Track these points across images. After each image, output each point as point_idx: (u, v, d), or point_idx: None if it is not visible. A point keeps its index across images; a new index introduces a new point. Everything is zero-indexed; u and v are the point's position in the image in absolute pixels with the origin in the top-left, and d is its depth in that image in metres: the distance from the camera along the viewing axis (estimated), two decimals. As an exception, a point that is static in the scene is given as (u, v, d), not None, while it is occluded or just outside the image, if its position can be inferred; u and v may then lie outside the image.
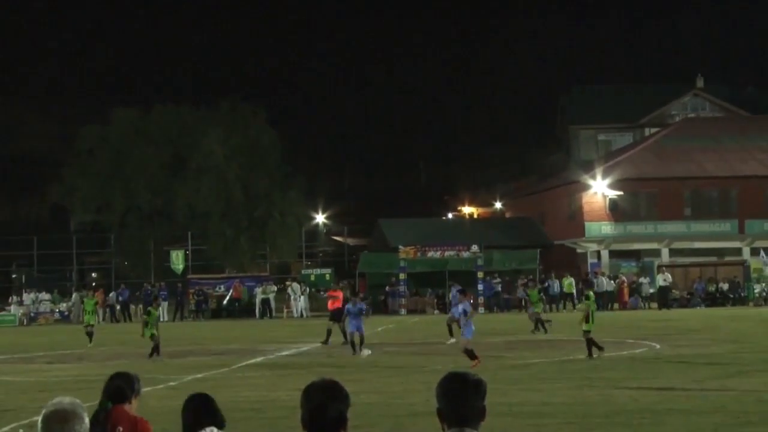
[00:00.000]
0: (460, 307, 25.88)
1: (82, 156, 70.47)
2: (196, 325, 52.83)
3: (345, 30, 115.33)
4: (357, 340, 29.09)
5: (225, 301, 59.13)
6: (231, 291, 59.37)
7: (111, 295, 60.47)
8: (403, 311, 55.73)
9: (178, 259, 66.44)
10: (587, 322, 26.27)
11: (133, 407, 7.19)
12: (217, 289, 60.02)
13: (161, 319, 50.28)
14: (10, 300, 63.58)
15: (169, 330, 40.66)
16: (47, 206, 75.92)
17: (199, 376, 23.91)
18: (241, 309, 58.37)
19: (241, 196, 69.86)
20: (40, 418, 4.57)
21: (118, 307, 59.21)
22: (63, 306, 61.49)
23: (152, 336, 29.26)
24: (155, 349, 29.12)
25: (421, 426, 14.82)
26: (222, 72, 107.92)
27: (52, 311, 60.85)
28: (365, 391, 19.01)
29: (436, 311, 55.09)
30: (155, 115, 71.39)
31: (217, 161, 68.68)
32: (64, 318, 59.90)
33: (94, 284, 69.36)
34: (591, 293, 28.03)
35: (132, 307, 59.64)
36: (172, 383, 22.22)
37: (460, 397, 4.62)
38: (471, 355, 24.12)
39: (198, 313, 58.34)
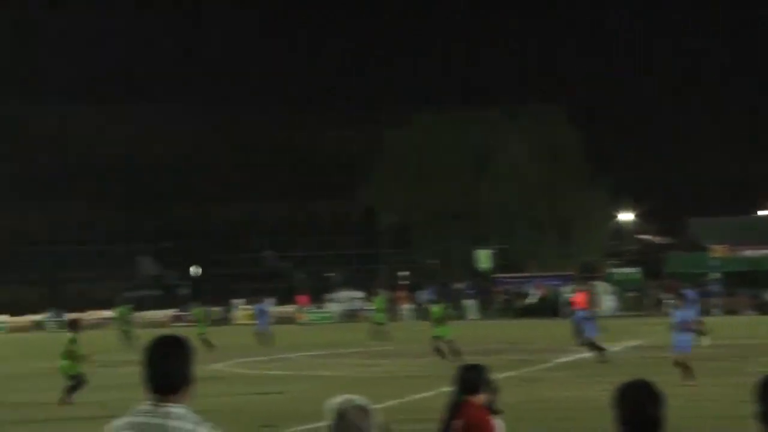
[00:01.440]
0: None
1: (390, 159, 72.61)
2: (502, 323, 52.98)
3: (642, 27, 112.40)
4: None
5: (531, 300, 59.06)
6: (537, 290, 59.24)
7: (418, 293, 61.80)
8: (716, 311, 53.53)
9: (483, 259, 67.03)
10: None
11: (482, 399, 7.25)
12: (522, 288, 60.07)
13: (469, 318, 50.93)
14: (326, 297, 66.40)
15: (476, 328, 41.07)
16: (358, 209, 78.71)
17: (510, 374, 23.92)
18: (547, 308, 58.06)
19: (544, 195, 69.58)
20: (332, 414, 4.64)
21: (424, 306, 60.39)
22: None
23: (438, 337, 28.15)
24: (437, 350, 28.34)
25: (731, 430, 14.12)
26: (522, 74, 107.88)
27: (363, 309, 62.94)
28: (675, 394, 18.34)
29: (752, 312, 52.56)
30: (460, 118, 72.45)
31: (520, 162, 68.76)
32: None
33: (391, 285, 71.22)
34: None
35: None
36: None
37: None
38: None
39: (505, 311, 58.57)
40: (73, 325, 23.05)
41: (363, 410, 4.67)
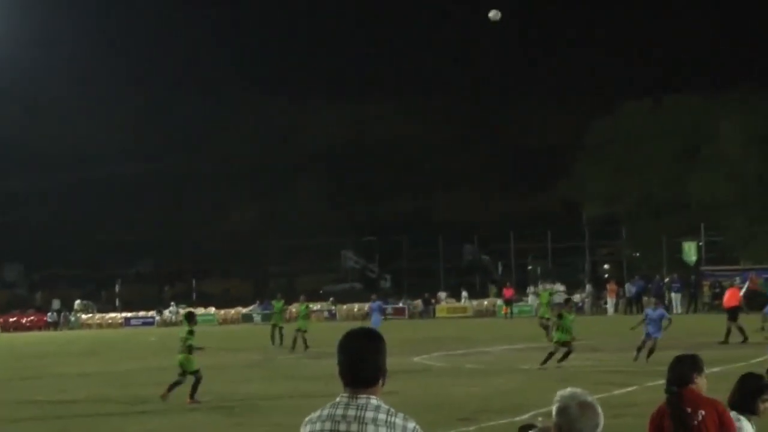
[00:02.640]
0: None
1: (592, 149, 71.38)
2: (710, 317, 51.12)
3: None
4: None
5: (742, 293, 56.79)
6: (747, 283, 56.92)
7: (626, 286, 60.60)
8: None
9: (690, 251, 64.97)
10: None
11: (700, 386, 7.11)
12: (733, 281, 57.86)
13: (675, 311, 49.54)
14: (527, 291, 65.98)
15: (683, 322, 39.81)
16: (559, 199, 77.70)
17: (716, 370, 23.02)
18: (761, 302, 55.67)
19: (757, 185, 66.83)
20: (555, 407, 4.53)
21: (634, 299, 59.12)
22: (577, 297, 62.64)
23: (561, 342, 26.05)
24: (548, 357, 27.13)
25: None
26: (735, 59, 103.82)
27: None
28: None
29: None
30: (666, 106, 70.51)
31: (732, 150, 66.22)
32: (578, 309, 60.91)
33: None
34: None
35: (645, 299, 59.24)
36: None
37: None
38: None
39: (713, 305, 56.59)
40: (190, 318, 22.28)
41: (587, 405, 4.51)
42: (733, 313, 32.43)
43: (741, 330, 31.51)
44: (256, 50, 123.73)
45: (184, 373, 20.74)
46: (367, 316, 37.03)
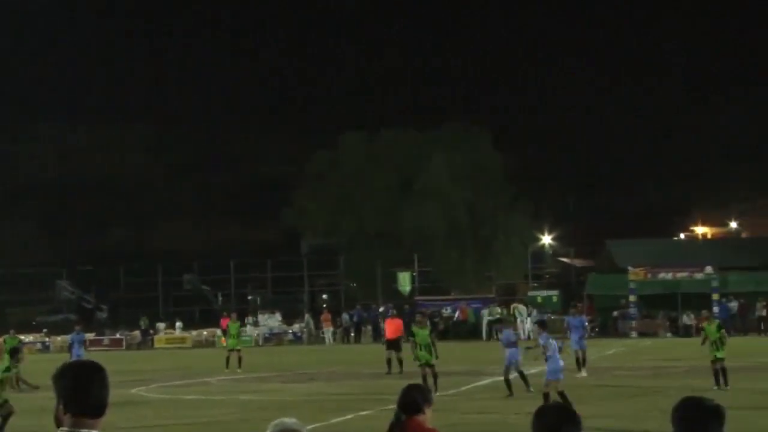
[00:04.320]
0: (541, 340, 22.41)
1: (313, 180, 72.60)
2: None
3: (577, 50, 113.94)
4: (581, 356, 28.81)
5: (452, 322, 59.35)
6: (458, 312, 59.56)
7: (343, 316, 61.86)
8: (633, 334, 54.37)
9: (405, 281, 67.20)
10: None
11: (427, 418, 7.20)
12: (444, 310, 60.33)
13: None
14: (246, 321, 66.02)
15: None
16: (281, 229, 78.43)
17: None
18: (468, 330, 58.40)
19: (466, 218, 70.13)
20: None
21: (351, 329, 60.41)
22: (296, 327, 63.35)
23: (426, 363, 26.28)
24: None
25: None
26: (445, 95, 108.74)
27: (286, 332, 62.78)
28: (597, 415, 18.59)
29: (669, 334, 53.57)
30: (383, 138, 72.68)
31: (442, 184, 69.20)
32: (297, 339, 61.71)
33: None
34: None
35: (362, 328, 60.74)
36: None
37: (698, 423, 4.47)
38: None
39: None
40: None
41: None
42: (395, 343, 32.86)
43: (400, 361, 31.68)
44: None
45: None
46: (69, 348, 34.84)
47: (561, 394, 20.21)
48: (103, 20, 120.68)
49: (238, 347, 36.38)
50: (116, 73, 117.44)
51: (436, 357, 26.27)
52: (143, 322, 65.03)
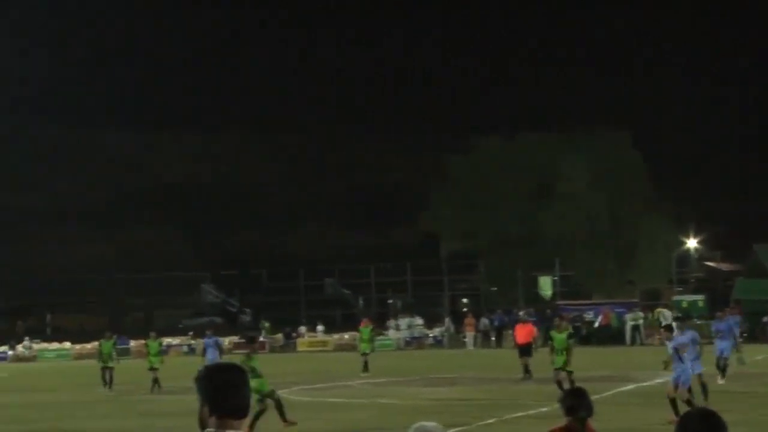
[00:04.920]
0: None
1: (449, 185, 72.53)
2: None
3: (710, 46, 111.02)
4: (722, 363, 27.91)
5: (594, 327, 58.48)
6: (600, 317, 58.62)
7: (483, 320, 61.56)
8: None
9: (546, 286, 66.52)
10: None
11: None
12: (586, 315, 59.49)
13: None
14: (387, 325, 66.39)
15: (541, 356, 40.60)
16: (419, 234, 78.65)
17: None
18: (611, 335, 57.41)
19: (607, 221, 68.98)
20: None
21: (492, 333, 60.07)
22: (436, 331, 63.39)
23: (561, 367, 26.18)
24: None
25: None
26: (584, 97, 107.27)
27: (426, 336, 62.88)
28: (743, 422, 18.00)
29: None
30: (519, 143, 72.14)
31: (582, 188, 68.24)
32: (438, 343, 61.72)
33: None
34: None
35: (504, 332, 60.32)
36: (543, 409, 22.16)
37: None
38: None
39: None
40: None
41: None
42: (526, 349, 32.47)
43: (526, 367, 31.34)
44: (105, 81, 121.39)
45: (263, 399, 20.40)
46: (203, 352, 35.36)
47: (688, 401, 19.54)
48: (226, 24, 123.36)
49: (368, 351, 36.53)
50: (256, 81, 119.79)
51: (567, 364, 25.80)
52: (265, 327, 65.79)
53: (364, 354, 36.55)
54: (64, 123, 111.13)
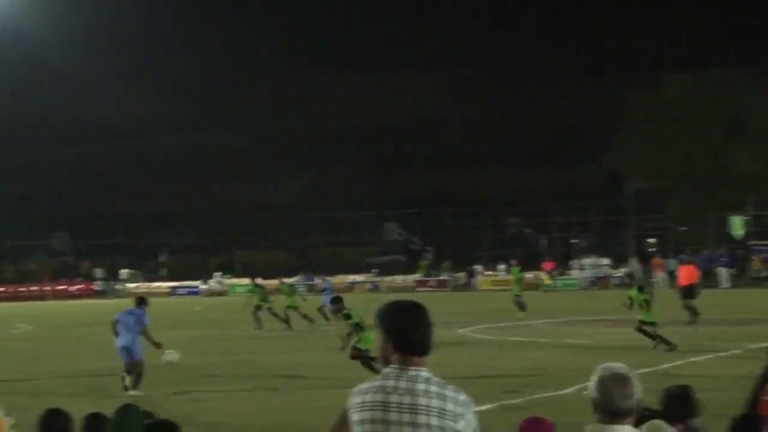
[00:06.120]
0: None
1: (635, 122, 70.66)
2: (759, 292, 50.68)
3: None
4: None
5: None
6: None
7: (670, 261, 60.15)
8: None
9: (737, 225, 64.32)
10: None
11: None
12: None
13: (722, 286, 49.21)
14: (570, 264, 65.71)
15: (730, 297, 39.55)
16: (602, 173, 77.12)
17: (763, 345, 22.84)
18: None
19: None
20: (595, 380, 4.60)
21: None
22: (622, 271, 62.36)
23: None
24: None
25: None
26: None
27: (610, 276, 61.94)
28: None
29: None
30: (711, 79, 69.57)
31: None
32: (623, 283, 60.69)
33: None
34: None
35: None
36: (735, 351, 21.53)
37: None
38: None
39: (762, 280, 56.05)
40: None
41: (621, 378, 4.58)
42: (689, 291, 31.10)
43: (692, 309, 29.90)
44: (294, 23, 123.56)
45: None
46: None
47: None
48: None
49: (519, 293, 36.07)
50: (430, 21, 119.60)
51: None
52: (444, 265, 66.02)
53: (517, 296, 36.07)
54: (264, 66, 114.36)
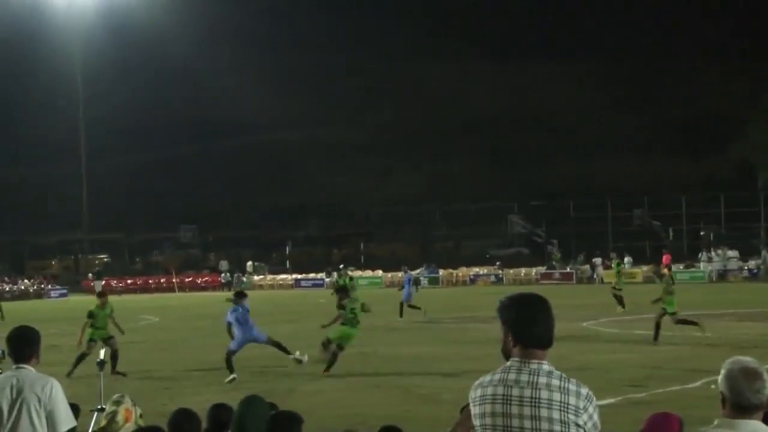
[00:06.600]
0: None
1: (766, 114, 68.80)
2: None
3: None
4: None
5: None
6: None
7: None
8: None
9: None
10: None
11: None
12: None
13: None
14: (699, 256, 64.34)
15: None
16: (732, 164, 75.22)
17: None
18: None
19: None
20: (724, 373, 4.50)
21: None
22: (752, 264, 60.81)
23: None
24: None
25: None
26: None
27: (741, 268, 60.46)
28: None
29: None
30: None
31: None
32: (753, 276, 59.18)
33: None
34: None
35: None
36: None
37: None
38: None
39: None
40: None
41: (750, 371, 4.50)
42: None
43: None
44: (418, 15, 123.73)
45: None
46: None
47: None
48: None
49: (619, 287, 35.33)
50: (554, 10, 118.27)
51: None
52: (555, 257, 65.01)
53: (616, 289, 35.33)
54: (387, 57, 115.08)
